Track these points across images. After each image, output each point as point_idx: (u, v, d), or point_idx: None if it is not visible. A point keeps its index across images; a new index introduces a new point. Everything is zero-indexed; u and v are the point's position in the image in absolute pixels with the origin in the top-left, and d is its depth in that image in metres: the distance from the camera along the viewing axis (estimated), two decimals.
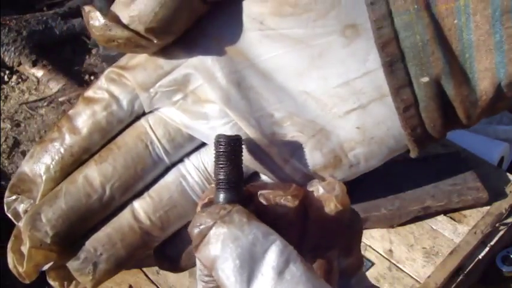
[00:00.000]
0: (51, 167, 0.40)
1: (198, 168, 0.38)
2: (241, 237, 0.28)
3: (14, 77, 2.72)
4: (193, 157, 0.38)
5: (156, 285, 1.25)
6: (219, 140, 0.32)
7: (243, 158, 0.33)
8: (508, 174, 1.43)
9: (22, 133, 2.42)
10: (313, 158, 0.36)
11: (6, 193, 0.41)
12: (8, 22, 2.79)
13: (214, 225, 0.29)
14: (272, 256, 0.28)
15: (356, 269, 0.39)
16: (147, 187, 0.39)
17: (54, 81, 2.62)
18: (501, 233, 1.30)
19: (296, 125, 0.35)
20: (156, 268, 1.28)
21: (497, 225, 1.30)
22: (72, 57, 2.87)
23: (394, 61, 0.32)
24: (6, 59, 2.70)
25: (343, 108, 0.35)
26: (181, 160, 0.39)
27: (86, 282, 0.40)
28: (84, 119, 0.39)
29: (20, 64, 2.71)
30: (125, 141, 0.38)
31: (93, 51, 2.88)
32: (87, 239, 0.40)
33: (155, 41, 0.35)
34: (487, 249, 1.28)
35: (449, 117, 0.34)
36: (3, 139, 2.37)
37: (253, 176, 0.38)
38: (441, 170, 1.36)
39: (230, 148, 0.32)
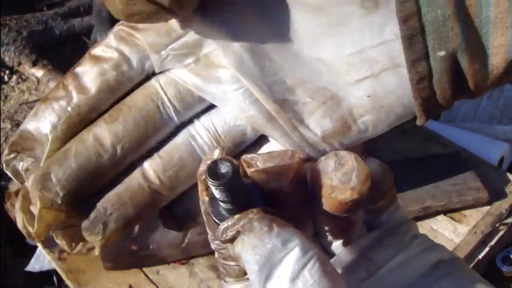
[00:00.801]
0: (58, 125, 0.39)
1: (208, 129, 0.38)
2: (261, 246, 0.31)
3: (14, 77, 2.72)
4: (203, 118, 0.39)
5: (156, 285, 1.25)
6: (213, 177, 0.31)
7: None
8: (508, 174, 1.43)
9: None
10: (323, 124, 0.36)
11: (5, 151, 0.41)
12: (8, 22, 2.79)
13: (238, 233, 0.32)
14: (288, 263, 0.30)
15: (386, 207, 0.41)
16: (157, 148, 0.39)
17: (54, 81, 2.62)
18: (501, 233, 1.30)
19: (307, 92, 0.36)
20: (156, 268, 1.28)
21: (497, 225, 1.30)
22: (72, 57, 2.87)
23: (414, 34, 0.32)
24: (6, 59, 2.70)
25: (355, 76, 0.35)
26: (191, 121, 0.39)
27: (96, 241, 0.40)
28: (92, 77, 0.38)
29: (20, 64, 2.71)
30: (135, 100, 0.38)
31: None
32: (97, 198, 0.40)
33: (178, 13, 0.35)
34: (487, 249, 1.28)
35: (460, 88, 0.34)
36: (3, 139, 2.37)
37: (261, 139, 0.39)
38: (441, 170, 1.36)
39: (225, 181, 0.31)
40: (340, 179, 0.33)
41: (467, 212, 1.32)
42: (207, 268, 1.27)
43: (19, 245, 1.80)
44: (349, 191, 0.32)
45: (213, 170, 0.31)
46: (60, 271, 1.33)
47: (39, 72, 2.67)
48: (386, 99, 0.35)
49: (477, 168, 1.39)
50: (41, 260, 1.55)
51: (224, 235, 0.32)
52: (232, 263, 0.36)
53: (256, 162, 0.33)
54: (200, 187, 0.36)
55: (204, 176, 0.34)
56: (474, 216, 1.31)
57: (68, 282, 1.30)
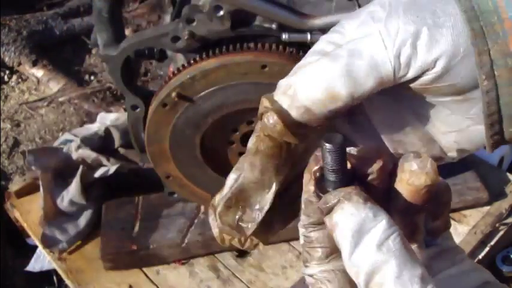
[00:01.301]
0: None
1: None
2: (356, 214, 0.38)
3: (14, 77, 2.72)
4: None
5: (156, 285, 1.26)
6: (328, 140, 0.40)
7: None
8: (508, 174, 1.43)
9: (22, 133, 2.42)
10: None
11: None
12: (8, 22, 2.79)
13: (338, 201, 0.39)
14: (376, 232, 0.38)
15: (442, 230, 0.49)
16: None
17: (54, 81, 2.62)
18: (501, 233, 1.30)
19: (417, 137, 0.49)
20: (156, 268, 1.28)
21: (497, 225, 1.30)
22: (72, 57, 2.87)
23: (494, 123, 0.43)
24: (6, 59, 2.70)
25: (447, 129, 0.47)
26: None
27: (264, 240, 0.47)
28: None
29: (20, 64, 2.71)
30: None
31: (93, 51, 2.88)
32: None
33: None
34: (487, 249, 1.28)
35: None
36: (3, 139, 2.37)
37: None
38: (441, 170, 1.36)
39: (338, 148, 0.40)
40: (418, 165, 0.42)
41: (467, 212, 1.32)
42: (207, 268, 1.27)
43: (19, 245, 1.80)
44: (424, 176, 0.41)
45: (328, 138, 0.40)
46: (60, 271, 1.33)
47: (39, 72, 2.67)
48: (468, 144, 0.48)
49: (477, 168, 1.39)
50: (41, 260, 1.55)
51: (327, 203, 0.39)
52: (317, 245, 0.43)
53: (351, 151, 0.43)
54: (307, 178, 0.43)
55: (315, 169, 0.42)
56: (474, 216, 1.31)
57: (68, 282, 1.30)
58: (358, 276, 0.38)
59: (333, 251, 0.43)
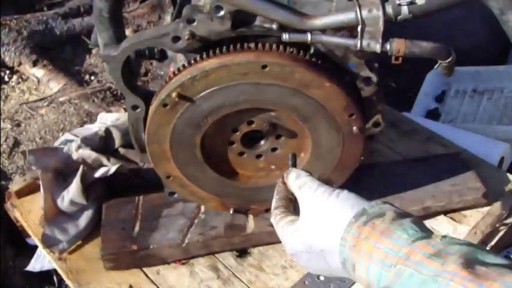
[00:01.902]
0: None
1: None
2: (297, 174, 0.87)
3: (15, 77, 2.72)
4: None
5: (156, 285, 1.26)
6: None
7: None
8: (508, 174, 1.43)
9: (22, 133, 2.42)
10: None
11: None
12: (8, 22, 2.79)
13: (289, 171, 0.89)
14: (303, 174, 0.87)
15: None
16: None
17: (55, 81, 2.62)
18: (501, 233, 1.30)
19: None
20: (157, 268, 1.28)
21: (497, 225, 1.30)
22: (73, 57, 2.86)
23: None
24: (7, 59, 2.70)
25: None
26: None
27: None
28: None
29: (20, 64, 2.71)
30: None
31: (93, 51, 2.88)
32: None
33: None
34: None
35: None
36: (3, 139, 2.37)
37: None
38: (441, 170, 1.36)
39: None
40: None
41: (467, 212, 1.32)
42: (207, 268, 1.27)
43: (19, 245, 1.80)
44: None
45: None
46: (60, 271, 1.33)
47: (39, 72, 2.67)
48: None
49: (477, 168, 1.39)
50: (41, 260, 1.55)
51: (287, 173, 0.88)
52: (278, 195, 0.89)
53: None
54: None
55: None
56: (474, 216, 1.31)
57: (68, 282, 1.30)
58: (295, 187, 0.85)
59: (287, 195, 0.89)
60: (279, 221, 0.85)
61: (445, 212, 1.31)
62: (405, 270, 0.65)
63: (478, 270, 0.60)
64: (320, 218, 0.78)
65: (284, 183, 0.88)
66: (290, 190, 0.87)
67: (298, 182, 0.84)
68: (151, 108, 1.07)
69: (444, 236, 0.68)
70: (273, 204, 0.88)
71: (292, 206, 0.88)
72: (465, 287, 0.58)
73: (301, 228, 0.81)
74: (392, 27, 0.95)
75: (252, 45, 1.00)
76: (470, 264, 0.61)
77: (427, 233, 0.70)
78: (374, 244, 0.70)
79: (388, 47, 0.94)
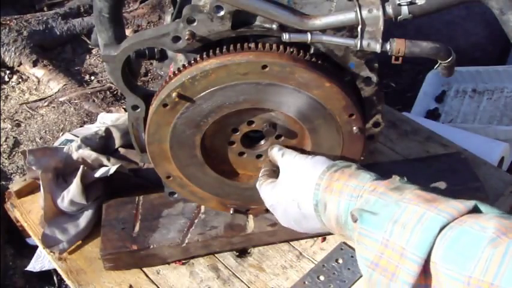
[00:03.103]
0: None
1: None
2: (278, 147, 1.11)
3: (15, 77, 2.72)
4: None
5: (156, 285, 1.26)
6: None
7: None
8: (508, 174, 1.43)
9: (22, 133, 2.42)
10: None
11: None
12: (8, 22, 2.79)
13: (273, 147, 1.11)
14: (286, 149, 1.08)
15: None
16: None
17: (55, 81, 2.62)
18: None
19: None
20: (157, 268, 1.28)
21: None
22: (73, 57, 2.87)
23: None
24: (7, 59, 2.70)
25: None
26: None
27: None
28: None
29: (20, 64, 2.71)
30: None
31: (94, 51, 2.88)
32: None
33: None
34: None
35: None
36: (3, 139, 2.37)
37: None
38: (441, 170, 1.36)
39: None
40: None
41: None
42: (207, 268, 1.27)
43: (19, 245, 1.81)
44: None
45: None
46: (60, 271, 1.33)
47: (39, 72, 2.67)
48: None
49: (477, 168, 1.39)
50: (41, 260, 1.56)
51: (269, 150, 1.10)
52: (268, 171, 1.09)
53: None
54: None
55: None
56: None
57: (68, 282, 1.31)
58: (279, 156, 1.05)
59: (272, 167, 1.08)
60: (262, 183, 1.06)
61: None
62: (371, 198, 0.82)
63: (429, 196, 0.78)
64: (296, 173, 0.97)
65: (269, 161, 1.10)
66: (274, 162, 1.08)
67: (281, 151, 1.06)
68: (151, 108, 1.07)
69: (402, 178, 0.85)
70: (259, 175, 1.09)
71: (275, 175, 1.06)
72: (419, 206, 0.75)
73: (279, 183, 1.01)
74: (392, 27, 0.95)
75: (252, 45, 1.00)
76: (423, 195, 0.79)
77: (387, 177, 0.87)
78: (344, 183, 0.88)
79: (388, 47, 0.94)
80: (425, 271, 0.71)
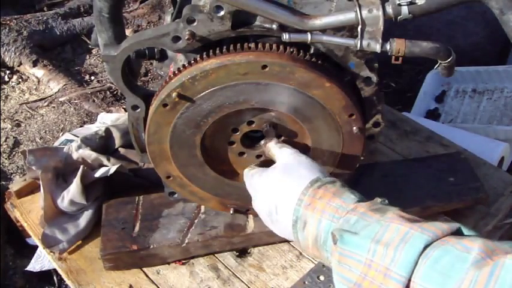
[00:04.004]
0: None
1: None
2: (275, 142, 1.09)
3: (15, 77, 2.72)
4: None
5: (156, 285, 1.26)
6: None
7: None
8: (508, 174, 1.43)
9: (22, 133, 2.42)
10: None
11: None
12: (8, 22, 2.79)
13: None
14: (282, 143, 1.08)
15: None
16: None
17: (55, 81, 2.62)
18: (501, 233, 1.30)
19: None
20: (157, 268, 1.28)
21: (497, 225, 1.30)
22: (73, 57, 2.87)
23: None
24: (7, 59, 2.70)
25: None
26: None
27: None
28: None
29: (20, 64, 2.71)
30: None
31: (94, 51, 2.88)
32: None
33: None
34: None
35: None
36: (3, 139, 2.37)
37: None
38: (441, 170, 1.36)
39: None
40: None
41: (467, 212, 1.32)
42: (207, 268, 1.27)
43: (19, 245, 1.80)
44: None
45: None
46: (60, 271, 1.33)
47: (39, 72, 2.67)
48: None
49: (477, 168, 1.39)
50: (41, 260, 1.56)
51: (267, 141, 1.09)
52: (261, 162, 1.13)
53: None
54: None
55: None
56: (474, 216, 1.32)
57: (68, 282, 1.31)
58: (276, 148, 1.05)
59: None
60: (251, 170, 1.06)
61: (445, 212, 1.31)
62: (351, 218, 0.80)
63: (411, 217, 0.77)
64: (284, 175, 0.95)
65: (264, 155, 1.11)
66: (269, 155, 1.07)
67: (280, 144, 1.06)
68: (151, 108, 1.07)
69: (383, 200, 0.84)
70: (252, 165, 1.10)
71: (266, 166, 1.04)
72: (401, 225, 0.74)
73: (270, 171, 0.98)
74: (392, 27, 0.95)
75: (252, 45, 1.00)
76: (405, 216, 0.77)
77: (369, 199, 0.86)
78: (327, 202, 0.85)
79: (388, 47, 0.94)
80: None
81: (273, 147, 1.05)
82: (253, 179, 1.02)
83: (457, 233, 0.73)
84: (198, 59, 1.01)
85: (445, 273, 0.66)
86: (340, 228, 0.80)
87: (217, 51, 1.00)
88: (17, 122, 2.48)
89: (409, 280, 0.69)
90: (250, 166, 1.09)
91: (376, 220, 0.78)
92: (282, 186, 0.93)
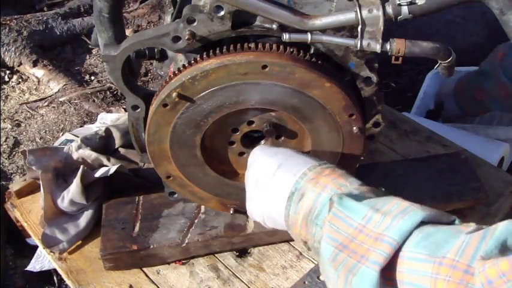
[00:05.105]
0: None
1: None
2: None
3: (15, 77, 2.72)
4: None
5: (156, 285, 1.26)
6: None
7: None
8: (508, 174, 1.43)
9: (22, 133, 2.42)
10: None
11: None
12: (8, 22, 2.79)
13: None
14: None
15: None
16: None
17: (55, 81, 2.62)
18: None
19: None
20: (157, 268, 1.28)
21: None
22: (73, 57, 2.87)
23: None
24: (7, 59, 2.70)
25: None
26: None
27: None
28: None
29: (20, 64, 2.71)
30: None
31: (94, 51, 2.88)
32: None
33: None
34: None
35: None
36: (3, 139, 2.37)
37: None
38: (441, 170, 1.36)
39: None
40: None
41: (467, 212, 1.32)
42: (207, 268, 1.27)
43: (19, 245, 1.80)
44: None
45: None
46: (60, 271, 1.33)
47: (39, 72, 2.67)
48: None
49: (477, 169, 1.39)
50: (41, 260, 1.56)
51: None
52: None
53: None
54: None
55: None
56: (474, 216, 1.32)
57: (68, 282, 1.31)
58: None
59: None
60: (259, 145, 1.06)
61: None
62: (354, 191, 0.81)
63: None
64: (289, 158, 0.93)
65: None
66: None
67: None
68: (152, 108, 1.07)
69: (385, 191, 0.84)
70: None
71: None
72: (403, 201, 0.76)
73: (277, 147, 1.01)
74: (392, 27, 0.95)
75: (252, 45, 1.00)
76: (406, 201, 0.77)
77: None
78: (332, 179, 0.84)
79: (388, 47, 0.94)
80: (391, 263, 0.69)
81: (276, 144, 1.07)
82: (256, 150, 1.01)
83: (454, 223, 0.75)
84: (198, 59, 1.01)
85: (437, 244, 0.66)
86: (341, 193, 0.79)
87: (217, 51, 1.00)
88: (17, 122, 2.48)
89: (399, 249, 0.69)
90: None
91: (378, 197, 0.78)
92: (287, 159, 0.92)
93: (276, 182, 0.89)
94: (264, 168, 0.93)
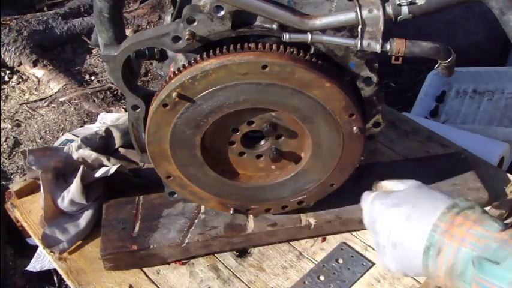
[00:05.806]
0: None
1: None
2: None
3: (15, 77, 2.72)
4: None
5: (156, 285, 1.26)
6: None
7: None
8: (508, 174, 1.43)
9: (22, 133, 2.42)
10: None
11: None
12: (8, 22, 2.79)
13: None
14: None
15: None
16: None
17: (55, 81, 2.62)
18: None
19: None
20: (157, 268, 1.28)
21: None
22: (73, 57, 2.87)
23: None
24: (7, 59, 2.70)
25: None
26: None
27: None
28: None
29: (20, 64, 2.71)
30: None
31: (94, 51, 2.88)
32: None
33: None
34: None
35: None
36: (3, 139, 2.37)
37: None
38: (441, 170, 1.36)
39: None
40: None
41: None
42: (207, 268, 1.27)
43: (19, 245, 1.80)
44: None
45: None
46: (60, 271, 1.33)
47: (39, 72, 2.67)
48: None
49: (477, 169, 1.39)
50: (41, 260, 1.55)
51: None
52: None
53: None
54: None
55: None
56: None
57: (68, 282, 1.30)
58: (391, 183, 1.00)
59: None
60: (370, 195, 0.96)
61: None
62: (492, 244, 0.74)
63: None
64: (418, 199, 0.88)
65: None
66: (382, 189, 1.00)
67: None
68: (152, 108, 1.07)
69: None
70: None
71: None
72: None
73: (397, 194, 0.92)
74: (392, 27, 0.95)
75: (252, 45, 1.00)
76: None
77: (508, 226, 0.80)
78: (467, 230, 0.78)
79: (388, 47, 0.94)
80: None
81: (387, 182, 0.99)
82: (374, 205, 0.93)
83: None
84: (198, 59, 1.01)
85: None
86: (479, 256, 0.74)
87: (218, 51, 1.00)
88: (17, 122, 2.48)
89: None
90: (367, 192, 0.98)
91: None
92: (414, 210, 0.86)
93: (408, 236, 0.85)
94: (391, 223, 0.88)
